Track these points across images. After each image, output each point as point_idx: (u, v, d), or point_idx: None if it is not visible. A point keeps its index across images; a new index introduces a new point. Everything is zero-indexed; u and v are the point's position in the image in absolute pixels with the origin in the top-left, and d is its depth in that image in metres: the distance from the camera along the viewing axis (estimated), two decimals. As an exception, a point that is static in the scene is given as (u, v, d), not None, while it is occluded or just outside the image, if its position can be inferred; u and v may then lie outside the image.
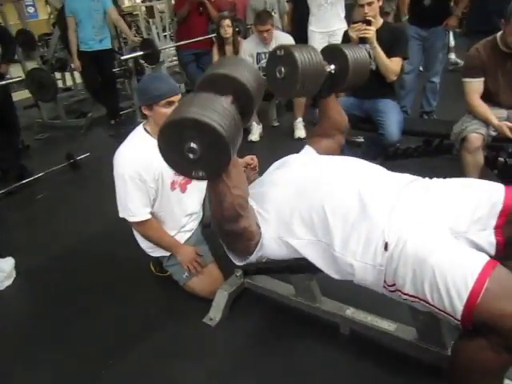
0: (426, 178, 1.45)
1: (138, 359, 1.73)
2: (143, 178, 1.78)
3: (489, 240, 1.27)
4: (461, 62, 4.75)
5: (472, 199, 1.30)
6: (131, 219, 1.83)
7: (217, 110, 1.00)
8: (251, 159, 1.93)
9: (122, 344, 1.82)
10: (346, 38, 2.73)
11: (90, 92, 4.56)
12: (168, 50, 5.20)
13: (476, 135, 2.29)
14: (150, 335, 1.85)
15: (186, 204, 1.97)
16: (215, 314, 1.89)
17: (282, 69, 1.40)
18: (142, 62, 4.25)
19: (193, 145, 0.99)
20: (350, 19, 3.60)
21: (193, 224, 2.04)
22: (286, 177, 1.46)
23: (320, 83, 1.45)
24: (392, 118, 2.66)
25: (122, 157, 1.80)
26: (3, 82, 3.22)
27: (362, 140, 3.32)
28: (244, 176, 1.29)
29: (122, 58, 3.93)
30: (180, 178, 1.93)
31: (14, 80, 3.38)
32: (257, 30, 3.62)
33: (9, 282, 2.34)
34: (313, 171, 1.44)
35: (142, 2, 7.88)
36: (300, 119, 3.84)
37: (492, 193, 1.30)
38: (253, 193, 1.48)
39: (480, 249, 1.27)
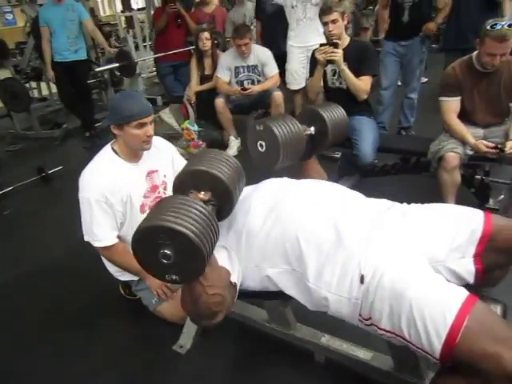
0: (404, 204, 1.41)
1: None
2: (110, 202, 1.70)
3: (468, 268, 1.24)
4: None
5: (451, 226, 1.27)
6: (96, 244, 1.73)
7: (191, 216, 0.98)
8: None
9: (87, 370, 1.73)
10: (314, 58, 2.68)
11: (64, 103, 4.45)
12: (147, 61, 5.13)
13: (453, 154, 2.27)
14: (116, 363, 1.76)
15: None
16: (185, 341, 1.81)
17: (263, 143, 1.40)
18: (117, 73, 4.16)
19: (166, 251, 0.97)
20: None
21: None
22: (259, 203, 1.40)
23: (302, 149, 1.44)
24: (366, 137, 2.63)
25: (87, 179, 1.71)
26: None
27: (339, 156, 3.29)
28: (219, 269, 1.20)
29: (97, 69, 3.84)
30: (149, 200, 1.85)
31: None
32: (235, 43, 3.58)
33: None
34: (287, 197, 1.37)
35: (122, 12, 7.80)
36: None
37: (471, 219, 1.27)
38: (228, 221, 1.42)
39: (459, 277, 1.24)
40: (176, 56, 4.50)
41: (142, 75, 4.97)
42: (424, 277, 1.11)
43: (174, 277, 1.02)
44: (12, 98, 4.69)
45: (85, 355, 1.82)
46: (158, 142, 1.93)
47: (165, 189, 1.91)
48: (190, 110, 3.77)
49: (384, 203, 1.40)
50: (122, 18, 7.45)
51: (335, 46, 2.50)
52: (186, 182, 1.17)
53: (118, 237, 1.80)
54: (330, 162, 3.26)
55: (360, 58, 2.60)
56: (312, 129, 1.53)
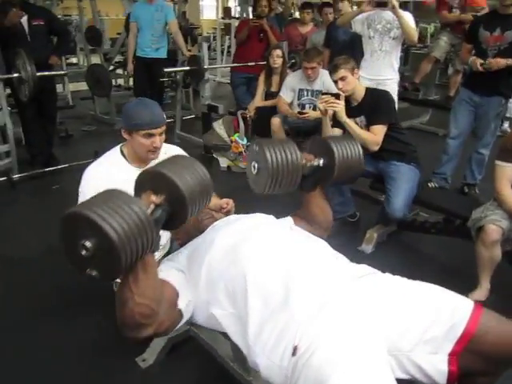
0: (387, 275, 1.25)
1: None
2: None
3: (439, 367, 1.06)
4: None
5: (428, 314, 1.09)
6: None
7: (122, 215, 0.92)
8: (226, 204, 1.78)
9: (54, 370, 1.74)
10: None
11: (135, 95, 4.66)
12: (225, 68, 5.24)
13: (494, 227, 1.99)
14: (81, 359, 1.75)
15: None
16: (149, 355, 1.76)
17: (256, 164, 1.33)
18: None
19: (86, 243, 0.92)
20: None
21: (156, 255, 1.93)
22: (225, 236, 1.31)
23: (296, 179, 1.33)
24: (400, 188, 2.42)
25: (88, 176, 1.72)
26: (45, 73, 3.31)
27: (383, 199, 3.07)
28: (157, 281, 1.12)
29: (165, 70, 3.96)
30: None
31: (56, 73, 3.48)
32: (303, 65, 3.51)
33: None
34: (252, 240, 1.27)
35: (222, 18, 8.09)
36: None
37: (456, 311, 1.09)
38: (193, 248, 1.36)
39: (426, 375, 1.07)
40: (252, 69, 4.51)
41: (215, 79, 5.07)
42: (359, 367, 0.94)
43: (93, 273, 0.96)
44: (96, 82, 5.03)
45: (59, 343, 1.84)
46: (171, 151, 1.91)
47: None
48: (241, 124, 3.75)
49: (359, 270, 1.24)
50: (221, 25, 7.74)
51: (337, 96, 2.42)
52: (144, 182, 1.12)
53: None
54: (372, 204, 3.07)
55: (373, 107, 2.47)
56: (321, 161, 1.41)
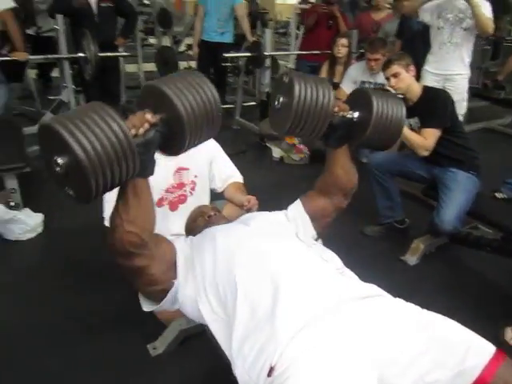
0: (397, 300, 1.10)
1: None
2: None
3: None
4: None
5: (435, 352, 0.95)
6: (106, 223, 1.76)
7: (94, 130, 0.83)
8: (247, 201, 1.70)
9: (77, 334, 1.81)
10: None
11: (199, 80, 4.70)
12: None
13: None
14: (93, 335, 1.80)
15: (172, 223, 1.82)
16: (160, 344, 1.75)
17: (281, 98, 1.19)
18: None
19: (58, 159, 0.85)
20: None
21: None
22: (226, 240, 1.23)
23: (322, 128, 1.18)
24: (453, 199, 2.19)
25: None
26: (107, 54, 3.42)
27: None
28: (150, 210, 1.07)
29: (225, 55, 3.92)
30: (172, 196, 1.81)
31: (118, 54, 3.58)
32: (366, 56, 3.30)
33: (31, 235, 2.49)
34: (250, 242, 1.19)
35: (299, 3, 7.87)
36: None
37: (469, 355, 0.94)
38: (199, 238, 1.30)
39: None
40: (318, 57, 4.34)
41: (287, 66, 4.95)
42: None
43: (70, 192, 0.91)
44: (164, 64, 5.14)
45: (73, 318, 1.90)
46: None
47: (192, 189, 1.86)
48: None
49: (366, 290, 1.11)
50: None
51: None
52: (145, 99, 1.01)
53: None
54: (426, 211, 2.83)
55: (427, 108, 2.23)
56: (356, 114, 1.25)
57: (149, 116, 0.96)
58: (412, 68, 2.33)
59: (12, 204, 2.58)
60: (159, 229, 1.78)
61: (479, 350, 0.96)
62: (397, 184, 2.61)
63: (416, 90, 2.32)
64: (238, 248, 1.17)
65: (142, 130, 0.95)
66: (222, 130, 3.62)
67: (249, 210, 1.71)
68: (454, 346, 0.96)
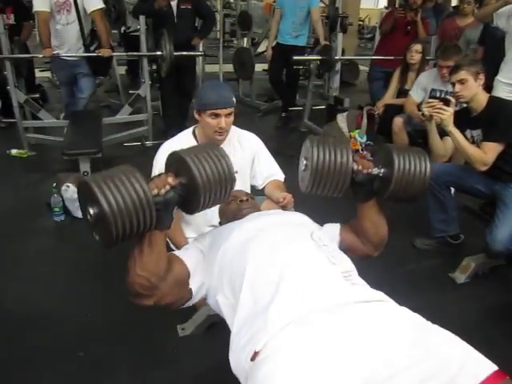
0: (403, 308, 1.09)
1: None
2: None
3: None
4: None
5: (430, 366, 0.92)
6: None
7: (119, 188, 0.98)
8: (283, 198, 1.74)
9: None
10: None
11: (270, 81, 4.77)
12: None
13: None
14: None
15: (211, 216, 1.91)
16: (189, 326, 1.86)
17: (305, 161, 1.29)
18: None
19: (90, 209, 1.00)
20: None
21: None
22: (242, 231, 1.29)
23: (343, 186, 1.24)
24: (510, 217, 2.04)
25: (161, 150, 1.85)
26: (182, 53, 3.63)
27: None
28: (161, 258, 1.15)
29: (294, 58, 3.95)
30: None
31: (192, 53, 3.77)
32: (438, 64, 3.16)
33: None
34: (262, 238, 1.23)
35: (385, 8, 7.68)
36: None
37: (464, 371, 0.90)
38: (218, 233, 1.38)
39: None
40: (392, 63, 4.20)
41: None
42: None
43: (96, 237, 1.06)
44: (241, 65, 5.32)
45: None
46: (244, 139, 1.94)
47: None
48: (364, 121, 3.56)
49: (371, 295, 1.11)
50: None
51: (446, 102, 2.13)
52: (170, 165, 1.17)
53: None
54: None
55: (491, 121, 2.08)
56: (381, 170, 1.29)
57: (170, 179, 1.09)
58: (481, 76, 2.20)
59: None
60: (199, 221, 1.92)
61: (476, 369, 0.91)
62: (455, 198, 2.50)
63: (482, 100, 2.19)
64: (251, 241, 1.22)
65: (163, 191, 1.07)
66: (290, 131, 3.82)
67: (284, 207, 1.76)
68: (449, 361, 0.92)
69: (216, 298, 1.24)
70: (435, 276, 2.34)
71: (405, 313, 1.07)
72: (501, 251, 2.05)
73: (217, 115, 1.71)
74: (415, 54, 3.56)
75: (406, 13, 4.12)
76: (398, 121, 3.37)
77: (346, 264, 1.22)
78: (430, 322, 1.05)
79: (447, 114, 2.13)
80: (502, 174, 2.17)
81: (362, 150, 3.61)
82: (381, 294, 1.13)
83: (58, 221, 2.66)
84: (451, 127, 2.15)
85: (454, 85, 2.22)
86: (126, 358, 1.75)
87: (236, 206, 1.55)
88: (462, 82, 2.17)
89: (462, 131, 2.20)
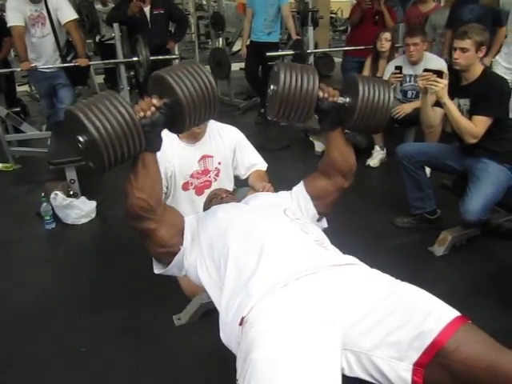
0: (373, 270, 1.19)
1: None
2: None
3: (401, 375, 1.00)
4: None
5: (399, 314, 1.03)
6: None
7: (105, 113, 1.01)
8: (262, 188, 1.82)
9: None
10: None
11: (247, 78, 4.86)
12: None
13: None
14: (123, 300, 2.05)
15: (198, 206, 2.00)
16: (184, 315, 1.95)
17: (272, 86, 1.31)
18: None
19: (80, 137, 1.03)
20: None
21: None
22: (223, 213, 1.39)
23: (309, 112, 1.28)
24: (481, 189, 2.16)
25: None
26: (158, 57, 3.71)
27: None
28: (156, 180, 1.22)
29: (268, 54, 4.05)
30: (197, 182, 1.99)
31: (168, 57, 3.84)
32: (404, 42, 3.28)
33: (86, 220, 2.81)
34: (244, 218, 1.33)
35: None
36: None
37: (430, 317, 1.00)
38: (204, 213, 1.46)
39: (388, 381, 1.02)
40: (364, 53, 4.32)
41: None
42: (284, 349, 0.94)
43: (91, 164, 1.09)
44: (217, 65, 5.39)
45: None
46: (224, 131, 2.03)
47: (216, 175, 2.02)
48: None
49: (343, 259, 1.21)
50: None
51: (439, 74, 2.16)
52: (154, 86, 1.17)
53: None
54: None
55: (483, 94, 2.14)
56: (346, 99, 1.33)
57: (155, 101, 1.13)
58: (483, 49, 2.22)
59: (71, 193, 2.92)
60: (187, 211, 2.01)
61: (440, 315, 1.00)
62: (432, 176, 2.59)
63: (476, 70, 2.24)
64: (232, 222, 1.32)
65: (148, 113, 1.11)
66: (270, 126, 3.94)
67: None
68: (418, 310, 1.02)
69: (198, 274, 1.31)
70: (415, 251, 2.46)
71: (375, 273, 1.18)
72: (473, 221, 2.16)
73: None
74: (385, 42, 3.67)
75: (372, 3, 4.23)
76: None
77: (319, 233, 1.33)
78: (398, 280, 1.15)
79: (441, 86, 2.17)
80: (474, 148, 2.25)
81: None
82: (353, 258, 1.23)
83: (49, 229, 2.72)
84: (445, 99, 2.19)
85: (455, 50, 2.23)
86: (126, 349, 1.83)
87: (217, 202, 1.64)
88: (463, 50, 2.19)
89: (451, 99, 2.23)
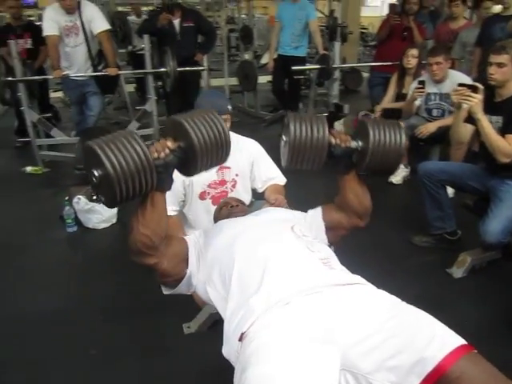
0: (380, 291, 1.18)
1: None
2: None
3: None
4: None
5: (403, 340, 1.00)
6: None
7: (122, 151, 1.05)
8: (274, 200, 1.83)
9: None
10: None
11: (273, 93, 4.91)
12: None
13: None
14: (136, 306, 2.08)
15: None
16: (194, 324, 1.96)
17: (284, 137, 1.35)
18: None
19: (94, 171, 1.08)
20: None
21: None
22: (230, 228, 1.40)
23: (321, 160, 1.30)
24: (503, 212, 2.10)
25: None
26: (186, 68, 3.79)
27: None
28: (163, 219, 1.24)
29: (293, 68, 4.08)
30: (214, 191, 2.01)
31: (195, 68, 3.92)
32: (427, 61, 3.25)
33: (106, 225, 2.88)
34: (248, 234, 1.34)
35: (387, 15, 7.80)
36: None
37: (433, 342, 0.98)
38: (211, 229, 1.48)
39: None
40: (390, 68, 4.30)
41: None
42: (280, 368, 0.94)
43: (102, 198, 1.13)
44: (245, 77, 5.47)
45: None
46: (243, 144, 2.04)
47: (233, 186, 2.04)
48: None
49: (349, 279, 1.20)
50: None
51: (474, 89, 2.09)
52: (169, 128, 1.22)
53: (183, 212, 2.03)
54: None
55: None
56: (360, 143, 1.34)
57: (169, 143, 1.17)
58: None
59: (94, 198, 2.99)
60: (203, 220, 2.04)
61: (444, 341, 0.98)
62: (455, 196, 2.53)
63: (511, 87, 2.19)
64: (238, 237, 1.33)
65: (162, 154, 1.15)
66: None
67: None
68: (421, 334, 1.00)
69: (206, 290, 1.33)
70: (433, 271, 2.40)
71: (381, 294, 1.16)
72: (493, 243, 2.10)
73: None
74: (411, 58, 3.65)
75: (401, 19, 4.22)
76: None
77: (325, 251, 1.31)
78: (404, 302, 1.13)
79: (475, 101, 2.12)
80: (500, 169, 2.19)
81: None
82: (359, 278, 1.22)
83: (70, 232, 2.80)
84: (480, 114, 2.13)
85: (491, 64, 2.18)
86: (136, 354, 1.86)
87: (227, 211, 1.66)
88: (500, 65, 2.14)
89: None
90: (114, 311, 2.10)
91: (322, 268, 1.20)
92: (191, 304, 1.95)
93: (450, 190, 3.00)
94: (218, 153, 1.19)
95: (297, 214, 1.56)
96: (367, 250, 2.42)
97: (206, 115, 1.19)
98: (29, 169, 3.82)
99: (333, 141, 1.31)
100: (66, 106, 5.78)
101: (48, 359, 1.83)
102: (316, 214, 1.51)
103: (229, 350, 1.15)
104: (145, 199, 1.18)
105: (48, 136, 4.00)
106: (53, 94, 5.48)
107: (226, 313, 1.20)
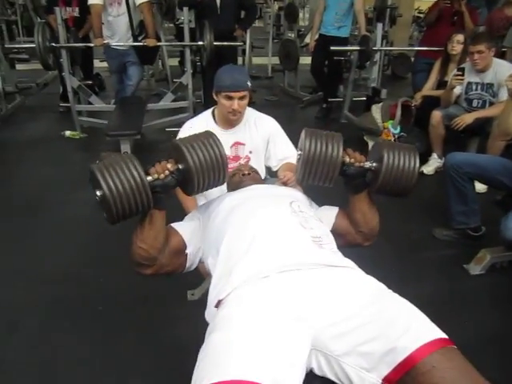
0: (369, 277, 1.16)
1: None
2: None
3: None
4: None
5: (378, 327, 0.98)
6: None
7: (119, 174, 1.12)
8: (283, 176, 1.83)
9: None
10: None
11: (312, 72, 4.81)
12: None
13: None
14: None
15: (225, 189, 2.05)
16: (198, 292, 2.01)
17: (299, 151, 1.39)
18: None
19: (97, 192, 1.16)
20: None
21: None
22: (231, 200, 1.42)
23: (333, 176, 1.32)
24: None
25: (183, 128, 2.00)
26: (223, 43, 3.78)
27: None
28: (160, 233, 1.29)
29: (332, 48, 3.97)
30: (228, 167, 2.03)
31: (231, 43, 3.91)
32: (469, 50, 3.07)
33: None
34: (245, 206, 1.36)
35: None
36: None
37: (408, 334, 0.95)
38: (214, 202, 1.51)
39: None
40: (436, 54, 4.12)
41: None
42: (243, 334, 0.96)
43: (104, 215, 1.21)
44: (286, 56, 5.40)
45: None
46: (261, 121, 2.03)
47: (246, 163, 2.05)
48: (398, 112, 3.52)
49: (338, 261, 1.19)
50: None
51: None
52: (172, 150, 1.30)
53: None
54: None
55: None
56: (374, 164, 1.36)
57: (169, 165, 1.24)
58: None
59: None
60: (215, 191, 2.05)
61: (419, 333, 0.95)
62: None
63: None
64: (235, 208, 1.35)
65: (162, 175, 1.21)
66: (330, 122, 3.92)
67: (284, 184, 1.85)
68: (397, 324, 0.97)
69: (207, 261, 1.37)
70: (448, 265, 2.33)
71: (367, 279, 1.14)
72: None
73: (230, 97, 1.82)
74: (456, 44, 3.47)
75: (452, 2, 4.00)
76: (437, 114, 3.30)
77: (320, 230, 1.29)
78: (391, 290, 1.11)
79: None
80: None
81: (396, 142, 3.59)
82: (348, 261, 1.20)
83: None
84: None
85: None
86: (142, 317, 1.95)
87: (238, 178, 1.67)
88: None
89: None
90: (123, 271, 2.14)
91: (310, 246, 1.19)
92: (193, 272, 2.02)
93: (482, 186, 2.89)
94: (214, 175, 1.26)
95: (302, 195, 1.55)
96: (386, 237, 2.35)
97: (205, 139, 1.26)
98: (68, 133, 3.99)
99: (347, 159, 1.32)
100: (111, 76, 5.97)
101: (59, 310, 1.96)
102: (330, 212, 1.50)
103: (208, 313, 1.18)
104: (143, 217, 1.24)
105: (89, 103, 4.15)
106: (100, 64, 5.65)
107: (212, 279, 1.23)
